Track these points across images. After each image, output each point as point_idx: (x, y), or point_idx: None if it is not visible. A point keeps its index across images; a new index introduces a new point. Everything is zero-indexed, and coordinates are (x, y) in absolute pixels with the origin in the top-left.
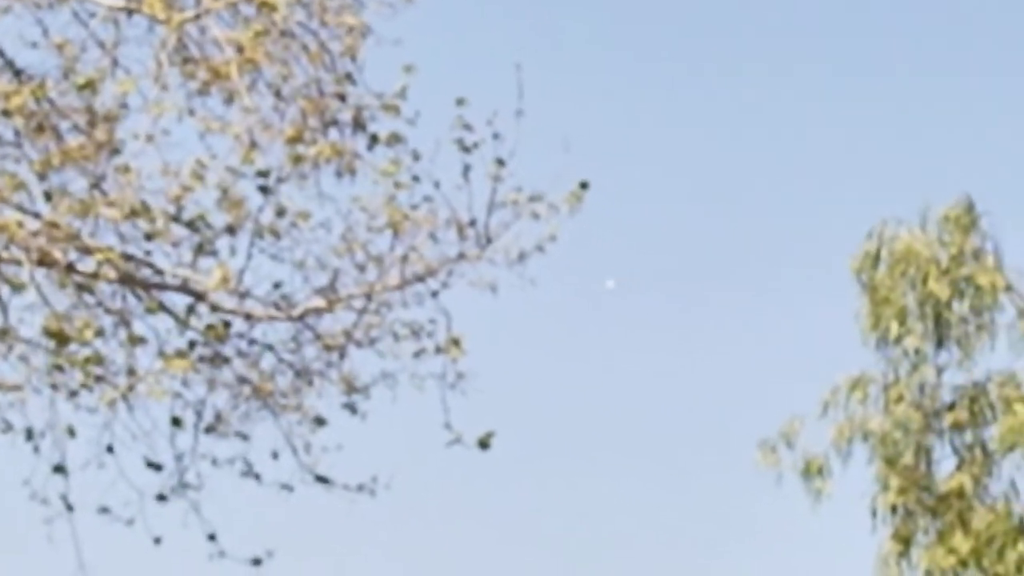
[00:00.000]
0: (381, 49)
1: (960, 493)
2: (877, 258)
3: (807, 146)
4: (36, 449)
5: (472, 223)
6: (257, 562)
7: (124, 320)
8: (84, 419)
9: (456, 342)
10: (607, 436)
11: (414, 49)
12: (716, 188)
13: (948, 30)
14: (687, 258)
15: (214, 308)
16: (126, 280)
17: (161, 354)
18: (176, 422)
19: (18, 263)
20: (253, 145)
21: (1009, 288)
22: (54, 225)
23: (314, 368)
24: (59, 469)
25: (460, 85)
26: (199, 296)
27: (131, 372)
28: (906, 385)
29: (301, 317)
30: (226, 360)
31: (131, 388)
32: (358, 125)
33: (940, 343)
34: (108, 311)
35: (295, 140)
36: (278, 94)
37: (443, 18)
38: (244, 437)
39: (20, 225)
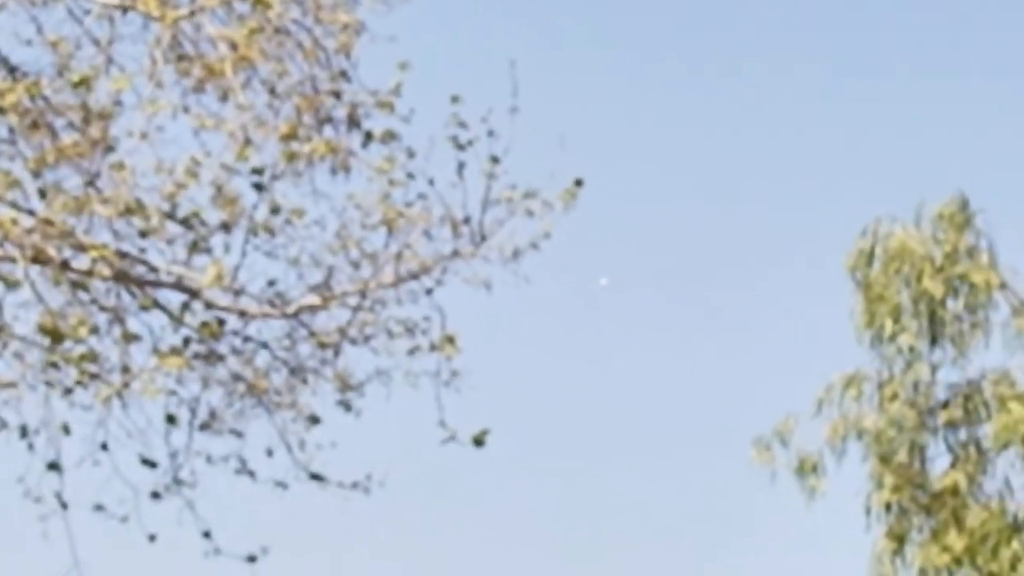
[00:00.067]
0: (375, 46)
1: (954, 491)
2: (871, 256)
3: (801, 144)
4: (31, 447)
5: (467, 220)
6: (252, 559)
7: (118, 317)
8: (79, 416)
9: (450, 339)
10: (602, 434)
11: (408, 46)
12: (710, 186)
13: (943, 30)
14: (681, 256)
15: (208, 305)
16: (120, 277)
17: (155, 351)
18: (171, 419)
19: (12, 260)
20: (247, 142)
21: (1003, 286)
22: (48, 222)
23: (308, 365)
24: (53, 466)
25: (455, 82)
26: (193, 293)
27: (125, 369)
28: (900, 383)
29: (295, 314)
30: (220, 357)
31: (126, 385)
32: (353, 122)
33: (934, 341)
34: (102, 308)
35: (289, 137)
36: (272, 91)
37: (438, 15)
38: (238, 434)
39: (14, 222)
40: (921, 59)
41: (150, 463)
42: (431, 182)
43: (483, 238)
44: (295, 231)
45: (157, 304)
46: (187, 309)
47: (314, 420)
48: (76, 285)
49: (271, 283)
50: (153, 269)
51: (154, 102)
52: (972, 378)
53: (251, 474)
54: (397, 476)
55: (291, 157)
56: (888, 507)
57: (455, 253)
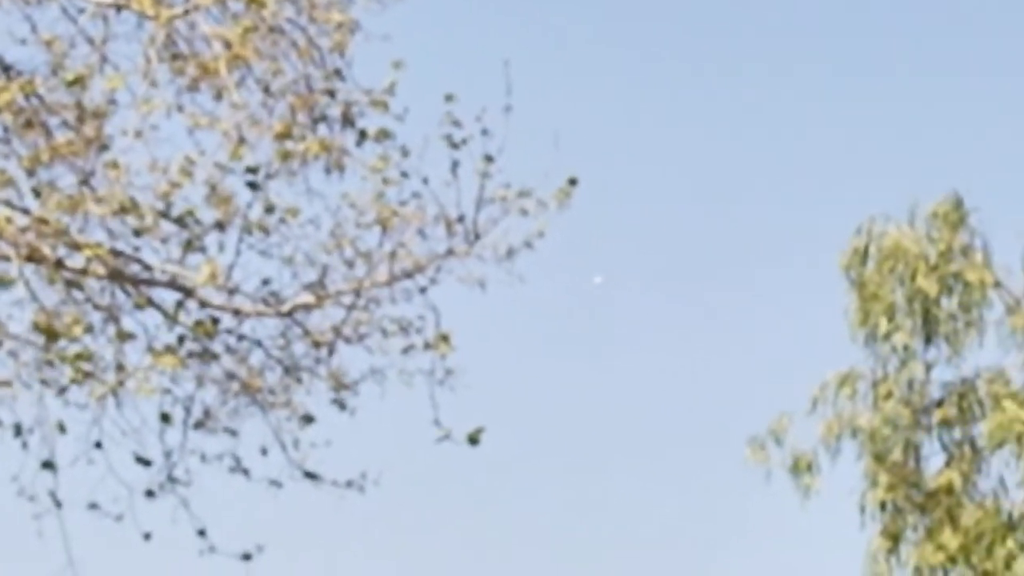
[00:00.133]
0: (370, 45)
1: (949, 489)
2: (866, 255)
3: (796, 144)
4: (25, 445)
5: (460, 219)
6: (247, 557)
7: (113, 316)
8: (73, 415)
9: (445, 338)
10: (596, 433)
11: (403, 45)
12: (704, 185)
13: (937, 29)
14: (676, 255)
15: (203, 304)
16: (115, 276)
17: (150, 350)
18: (165, 418)
19: (7, 259)
20: (242, 141)
21: (997, 284)
22: (43, 221)
23: (303, 364)
24: (48, 465)
25: (449, 81)
26: (188, 292)
27: (120, 368)
28: (895, 381)
29: (290, 313)
30: (215, 356)
31: (120, 384)
32: (347, 121)
33: (929, 339)
34: (97, 307)
35: (284, 136)
36: (267, 90)
37: (432, 14)
38: (233, 433)
39: (9, 221)
40: (915, 59)
41: (144, 461)
42: (425, 181)
43: (477, 237)
44: (289, 230)
45: (151, 303)
46: (181, 308)
47: (308, 419)
48: (70, 284)
49: (265, 282)
50: (147, 268)
51: (148, 101)
52: (966, 377)
53: (245, 473)
54: (391, 475)
55: (285, 156)
56: (883, 506)
57: (449, 252)
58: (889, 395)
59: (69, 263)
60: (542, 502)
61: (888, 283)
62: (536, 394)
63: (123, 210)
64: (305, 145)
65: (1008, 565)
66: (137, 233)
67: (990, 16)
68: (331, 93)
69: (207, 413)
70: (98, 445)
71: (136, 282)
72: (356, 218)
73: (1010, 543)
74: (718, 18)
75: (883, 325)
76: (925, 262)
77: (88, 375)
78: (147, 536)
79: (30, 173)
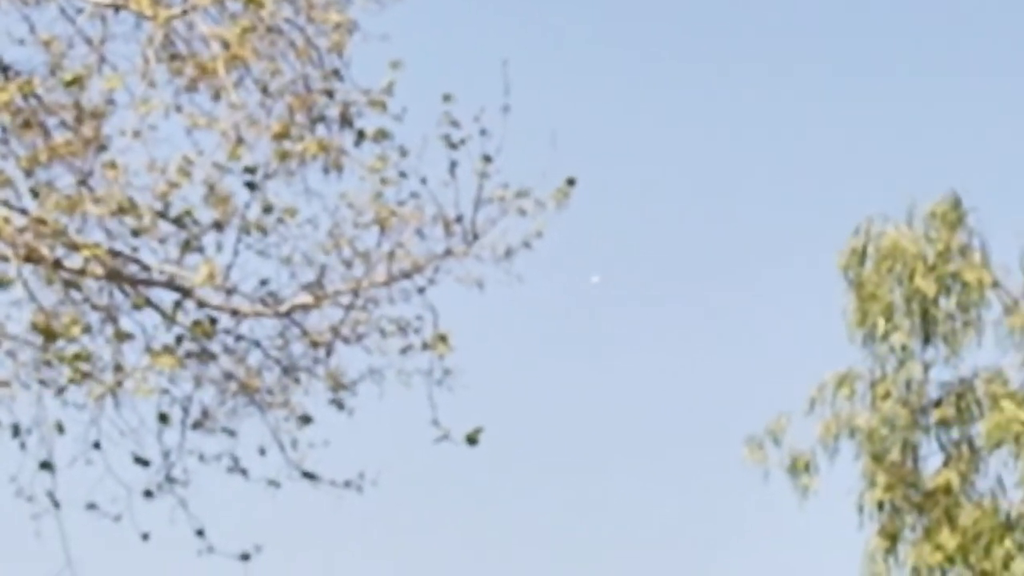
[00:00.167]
0: (368, 45)
1: (947, 490)
2: (864, 255)
3: (794, 144)
4: (23, 446)
5: (459, 219)
6: (245, 557)
7: (111, 316)
8: (71, 415)
9: (443, 338)
10: (594, 432)
11: (401, 45)
12: (703, 186)
13: (935, 30)
14: (674, 255)
15: (201, 304)
16: (113, 276)
17: (148, 350)
18: (163, 418)
19: (5, 259)
20: (240, 141)
21: (996, 284)
22: (41, 221)
23: (301, 364)
24: (46, 465)
25: (447, 81)
26: (186, 292)
27: (118, 368)
28: (893, 381)
29: (288, 313)
30: (213, 356)
31: (118, 384)
32: (345, 121)
33: (927, 339)
34: (95, 307)
35: (282, 136)
36: (265, 90)
37: (430, 14)
38: (231, 433)
39: (7, 221)
40: (914, 59)
41: (143, 462)
42: (423, 181)
43: (475, 237)
44: (287, 230)
45: (149, 303)
46: (179, 308)
47: (306, 420)
48: (69, 284)
49: (263, 282)
50: (145, 268)
51: (146, 101)
52: (965, 377)
53: (244, 473)
54: (390, 475)
55: (283, 156)
56: (881, 506)
57: (447, 252)
58: (887, 395)
59: (67, 263)
60: (540, 502)
61: (886, 283)
62: (534, 394)
63: (121, 210)
64: (303, 145)
65: (1006, 565)
66: (135, 233)
67: (988, 16)
68: (329, 93)
69: (205, 413)
70: (96, 445)
71: (134, 282)
72: (354, 218)
73: (1008, 543)
74: (716, 18)
75: (881, 325)
76: (923, 262)
77: (86, 375)
78: (145, 536)
79: (28, 173)
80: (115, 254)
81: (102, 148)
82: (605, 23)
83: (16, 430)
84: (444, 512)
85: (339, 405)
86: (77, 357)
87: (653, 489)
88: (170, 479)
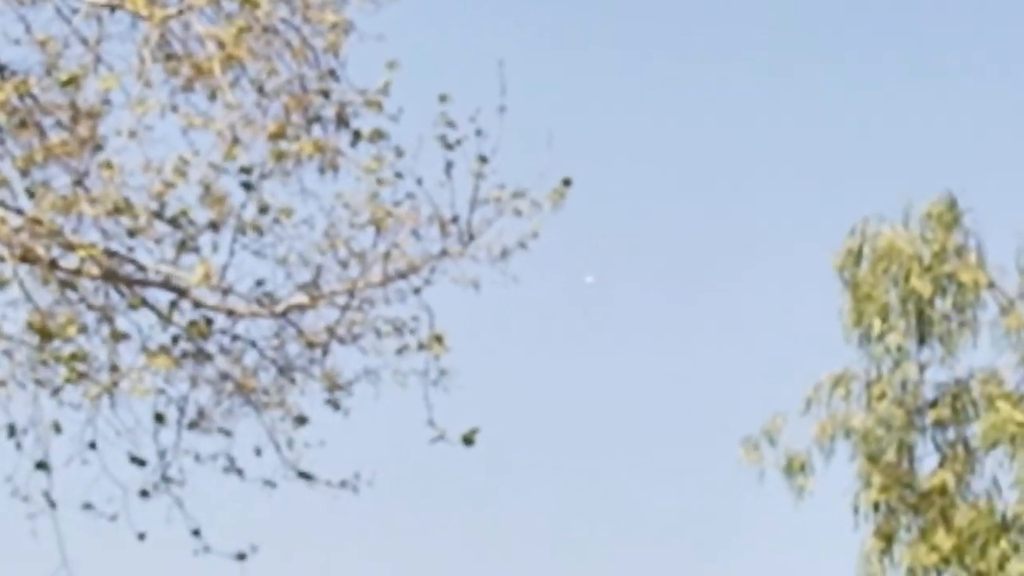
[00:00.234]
0: (364, 45)
1: (942, 490)
2: (860, 255)
3: (790, 143)
4: (19, 446)
5: (455, 220)
6: (241, 557)
7: (107, 316)
8: (67, 415)
9: (439, 339)
10: (590, 433)
11: (397, 45)
12: (698, 185)
13: (932, 30)
14: (670, 255)
15: (197, 304)
16: (109, 276)
17: (144, 350)
18: (159, 418)
19: (1, 259)
20: (236, 141)
21: (991, 285)
22: (37, 221)
23: (297, 364)
24: (42, 465)
25: (443, 82)
26: (182, 292)
27: (114, 368)
28: (888, 382)
29: (284, 313)
30: (209, 356)
31: (114, 384)
32: (341, 121)
33: (922, 340)
34: (91, 307)
35: (278, 136)
36: (261, 90)
37: (426, 14)
38: (227, 433)
39: (3, 221)
40: (910, 59)
41: (139, 461)
42: (419, 181)
43: (471, 237)
44: (283, 230)
45: (145, 303)
46: (175, 308)
47: (301, 420)
48: (64, 284)
49: (259, 282)
50: (141, 268)
51: (142, 101)
52: (960, 377)
53: (240, 473)
54: (386, 475)
55: (279, 156)
56: (876, 506)
57: (443, 252)
58: (883, 396)
59: (63, 263)
60: (536, 502)
61: (882, 284)
62: (530, 394)
63: (117, 210)
64: (299, 145)
65: (1001, 566)
66: (131, 233)
67: (985, 17)
68: (325, 93)
69: (201, 413)
70: (92, 445)
71: (130, 282)
72: (350, 218)
73: (1004, 544)
74: (712, 18)
75: (877, 326)
76: (919, 263)
77: (82, 375)
78: (141, 536)
79: (24, 173)
80: (111, 254)
81: (98, 148)
82: (601, 23)
83: (12, 430)
84: (440, 512)
85: (335, 405)
86: (73, 357)
87: (649, 489)
88: (166, 479)
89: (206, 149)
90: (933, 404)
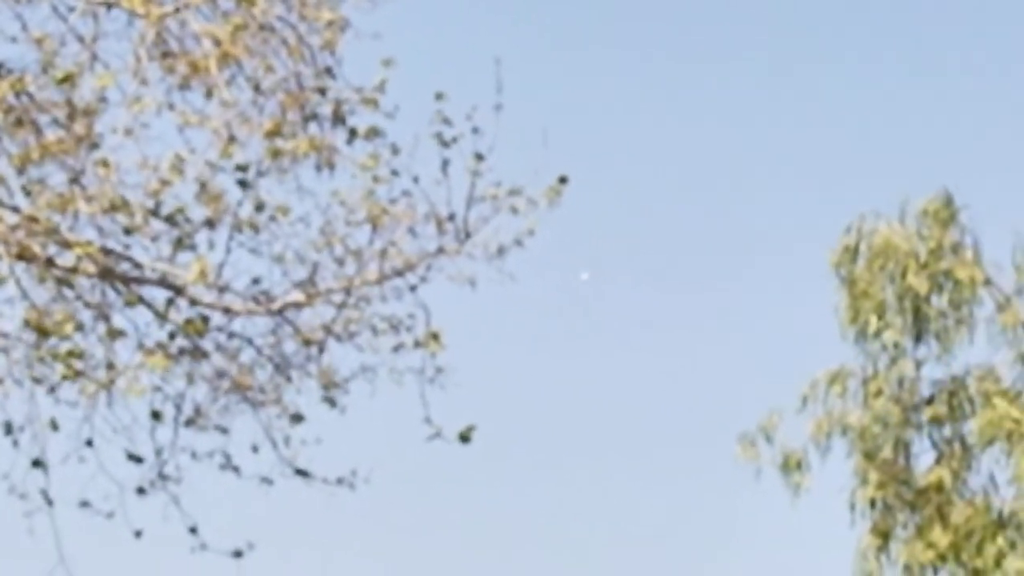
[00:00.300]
0: (360, 43)
1: (939, 487)
2: (856, 252)
3: (786, 141)
4: (15, 443)
5: (451, 217)
6: (238, 554)
7: (103, 314)
8: (64, 413)
9: (435, 336)
10: (586, 430)
11: (393, 43)
12: (695, 183)
13: (929, 28)
14: (666, 253)
15: (193, 302)
16: (105, 274)
17: (140, 347)
18: (156, 416)
19: None
20: (232, 139)
21: (988, 282)
22: (33, 219)
23: (293, 362)
24: (38, 463)
25: (439, 79)
26: (178, 290)
27: (110, 366)
28: (885, 379)
29: (280, 311)
30: (205, 354)
31: (111, 382)
32: (337, 119)
33: (919, 337)
34: (87, 305)
35: (274, 134)
36: (257, 88)
37: (422, 12)
38: (223, 430)
39: None
40: (906, 57)
41: (136, 459)
42: (416, 179)
43: (468, 235)
44: (280, 228)
45: (142, 300)
46: (172, 306)
47: (298, 418)
48: (61, 282)
49: (255, 280)
50: (138, 266)
51: (139, 99)
52: (957, 374)
53: (236, 470)
54: (383, 473)
55: (275, 154)
56: (873, 503)
57: (440, 250)
58: (879, 393)
59: (59, 261)
60: (533, 500)
61: (878, 281)
62: (527, 392)
63: (113, 208)
64: (295, 143)
65: (998, 563)
66: (127, 231)
67: (982, 15)
68: (321, 91)
69: (198, 411)
70: (89, 443)
71: (126, 280)
72: (346, 216)
73: (1000, 541)
74: (709, 16)
75: (873, 323)
76: (915, 260)
77: (79, 373)
78: (138, 533)
79: (20, 171)
80: (107, 252)
81: (94, 146)
82: (597, 22)
83: (9, 427)
84: (437, 510)
85: (331, 403)
86: (70, 354)
87: (646, 486)
88: (163, 476)
89: (202, 147)
90: (929, 401)
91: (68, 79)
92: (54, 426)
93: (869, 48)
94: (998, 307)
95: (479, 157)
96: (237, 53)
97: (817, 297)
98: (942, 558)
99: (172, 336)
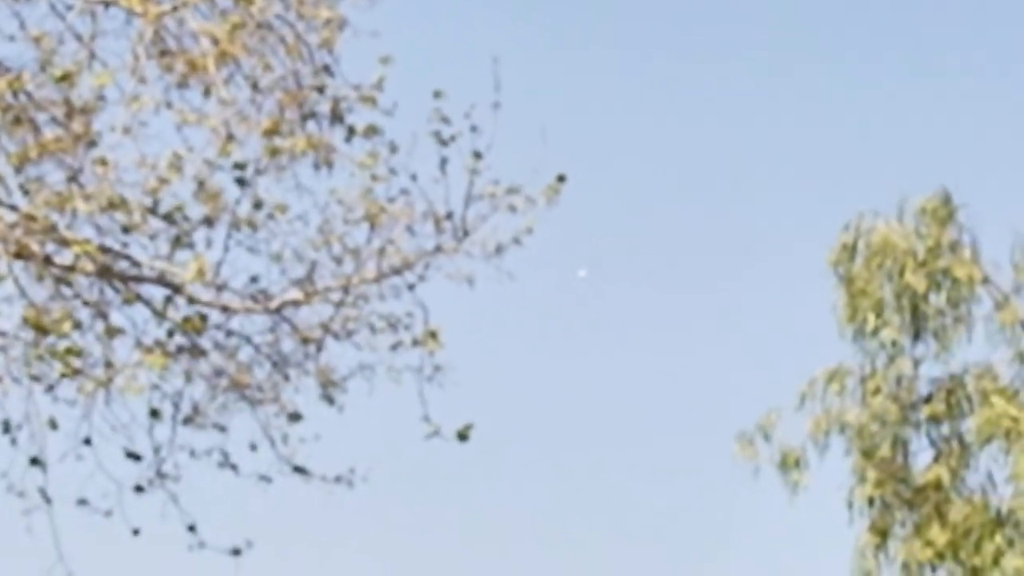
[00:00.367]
0: (358, 41)
1: (937, 485)
2: (854, 250)
3: (784, 139)
4: (14, 442)
5: (449, 216)
6: (237, 552)
7: (101, 312)
8: (62, 411)
9: (433, 335)
10: (585, 429)
11: (391, 41)
12: (693, 181)
13: (926, 27)
14: (664, 251)
15: (191, 300)
16: (103, 272)
17: (138, 345)
18: (154, 414)
19: None
20: (230, 137)
21: (986, 280)
22: (31, 218)
23: (291, 360)
24: (36, 461)
25: (437, 77)
26: (176, 288)
27: (109, 364)
28: (883, 377)
29: (278, 309)
30: (203, 352)
31: (110, 380)
32: (335, 117)
33: (917, 335)
34: (86, 303)
35: (272, 132)
36: (255, 86)
37: (420, 10)
38: (222, 429)
39: None
40: (904, 55)
41: (134, 457)
42: (414, 177)
43: (466, 233)
44: (278, 226)
45: (140, 299)
46: (170, 304)
47: (296, 417)
48: (59, 280)
49: (254, 278)
50: (136, 264)
51: (137, 97)
52: (955, 372)
53: (234, 468)
54: (381, 471)
55: (274, 152)
56: (871, 501)
57: (438, 248)
58: (877, 391)
59: (58, 259)
60: (531, 497)
61: (876, 279)
62: (525, 391)
63: (111, 206)
64: (293, 141)
65: (996, 561)
66: (125, 229)
67: (980, 14)
68: (320, 89)
69: (196, 409)
70: (87, 441)
71: (124, 278)
72: (344, 214)
73: (998, 539)
74: (707, 15)
75: (871, 321)
76: (913, 258)
77: (77, 371)
78: (136, 531)
79: (18, 170)
80: (105, 250)
81: (92, 144)
82: (596, 20)
83: (7, 426)
84: (435, 508)
85: (329, 401)
86: (68, 352)
87: (644, 484)
88: (161, 474)
89: (200, 145)
90: (928, 399)
91: (66, 77)
92: (52, 424)
93: (867, 48)
94: (996, 305)
95: (477, 155)
96: (235, 51)
97: (815, 296)
98: (940, 556)
99: (170, 334)
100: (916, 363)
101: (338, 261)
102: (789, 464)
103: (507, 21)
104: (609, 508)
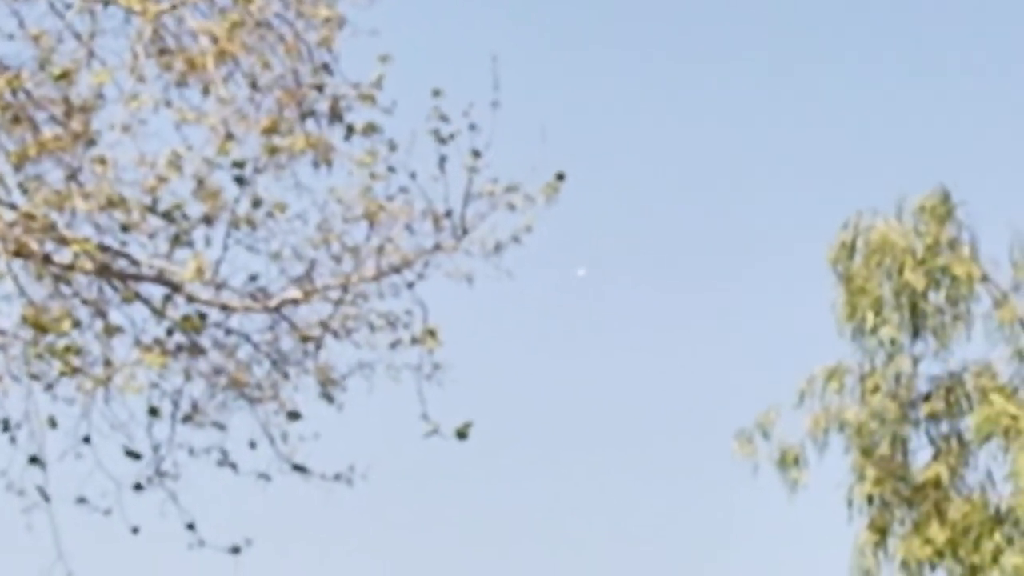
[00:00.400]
0: (357, 40)
1: (936, 483)
2: (853, 248)
3: (783, 138)
4: (13, 440)
5: (448, 214)
6: (236, 551)
7: (100, 310)
8: (61, 410)
9: (432, 333)
10: (584, 427)
11: (390, 40)
12: (692, 180)
13: (925, 25)
14: (663, 249)
15: (190, 299)
16: (102, 271)
17: (137, 344)
18: (153, 412)
19: None
20: (229, 136)
21: (985, 278)
22: (30, 216)
23: (290, 359)
24: (36, 460)
25: (436, 76)
26: (175, 287)
27: (108, 363)
28: (882, 375)
29: (277, 308)
30: (202, 351)
31: (109, 378)
32: (334, 116)
33: (916, 333)
34: (85, 301)
35: (271, 131)
36: (254, 85)
37: (419, 9)
38: (221, 427)
39: None
40: (903, 54)
41: (133, 455)
42: (413, 176)
43: (465, 232)
44: (277, 225)
45: (139, 297)
46: (169, 302)
47: (295, 415)
48: (58, 278)
49: (253, 277)
50: (135, 263)
51: (136, 96)
52: (954, 370)
53: (234, 466)
54: (380, 469)
55: (273, 151)
56: (870, 499)
57: (437, 247)
58: (876, 389)
59: (57, 258)
60: (530, 496)
61: (875, 277)
62: (524, 389)
63: (110, 205)
64: (292, 140)
65: (995, 559)
66: (124, 228)
67: (979, 13)
68: (319, 88)
69: (195, 407)
70: (86, 439)
71: (124, 277)
72: (343, 213)
73: (997, 537)
74: (707, 14)
75: (870, 319)
76: (912, 256)
77: (76, 369)
78: (135, 530)
79: (17, 168)
80: (104, 249)
81: (91, 143)
82: (595, 19)
83: (6, 424)
84: (434, 506)
85: (329, 399)
86: (67, 351)
87: (643, 482)
88: (160, 473)
89: (199, 144)
90: (927, 397)
91: (65, 76)
92: (52, 423)
93: (867, 48)
94: (995, 303)
95: (476, 154)
96: (234, 50)
97: (814, 294)
98: (939, 554)
99: (169, 333)
100: (915, 361)
101: (337, 259)
102: (788, 462)
103: (506, 20)
104: (609, 506)
